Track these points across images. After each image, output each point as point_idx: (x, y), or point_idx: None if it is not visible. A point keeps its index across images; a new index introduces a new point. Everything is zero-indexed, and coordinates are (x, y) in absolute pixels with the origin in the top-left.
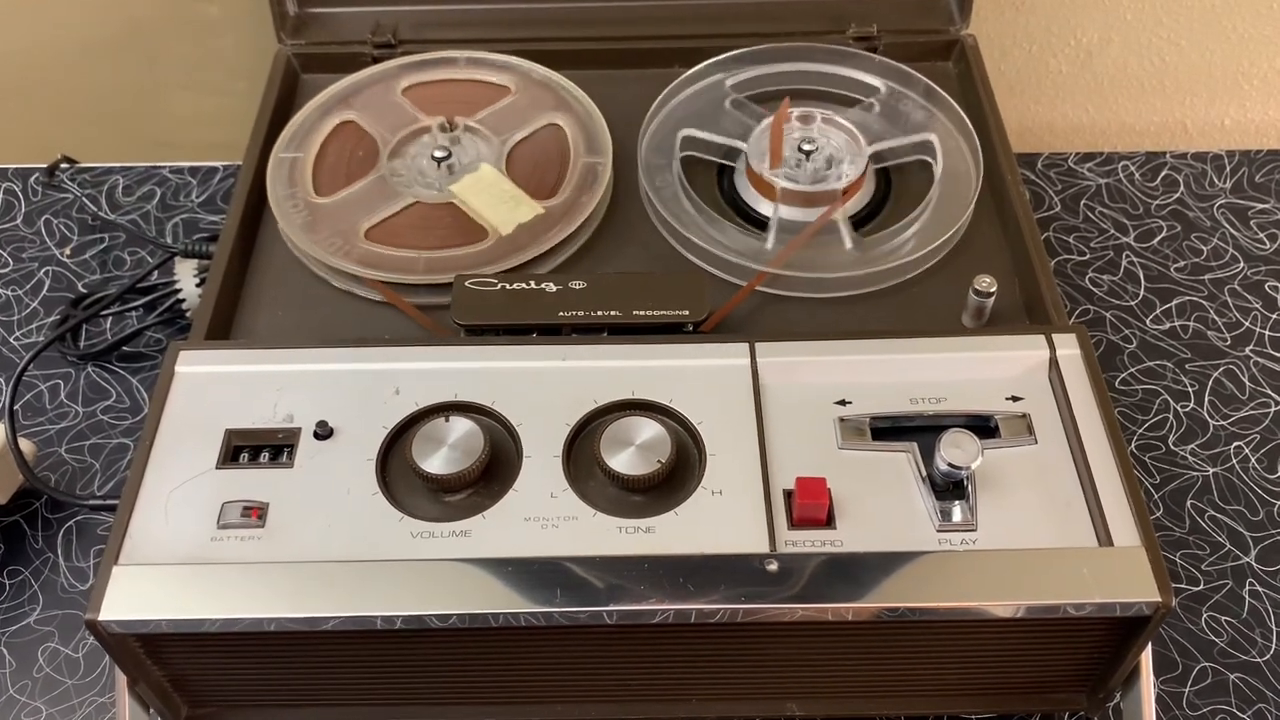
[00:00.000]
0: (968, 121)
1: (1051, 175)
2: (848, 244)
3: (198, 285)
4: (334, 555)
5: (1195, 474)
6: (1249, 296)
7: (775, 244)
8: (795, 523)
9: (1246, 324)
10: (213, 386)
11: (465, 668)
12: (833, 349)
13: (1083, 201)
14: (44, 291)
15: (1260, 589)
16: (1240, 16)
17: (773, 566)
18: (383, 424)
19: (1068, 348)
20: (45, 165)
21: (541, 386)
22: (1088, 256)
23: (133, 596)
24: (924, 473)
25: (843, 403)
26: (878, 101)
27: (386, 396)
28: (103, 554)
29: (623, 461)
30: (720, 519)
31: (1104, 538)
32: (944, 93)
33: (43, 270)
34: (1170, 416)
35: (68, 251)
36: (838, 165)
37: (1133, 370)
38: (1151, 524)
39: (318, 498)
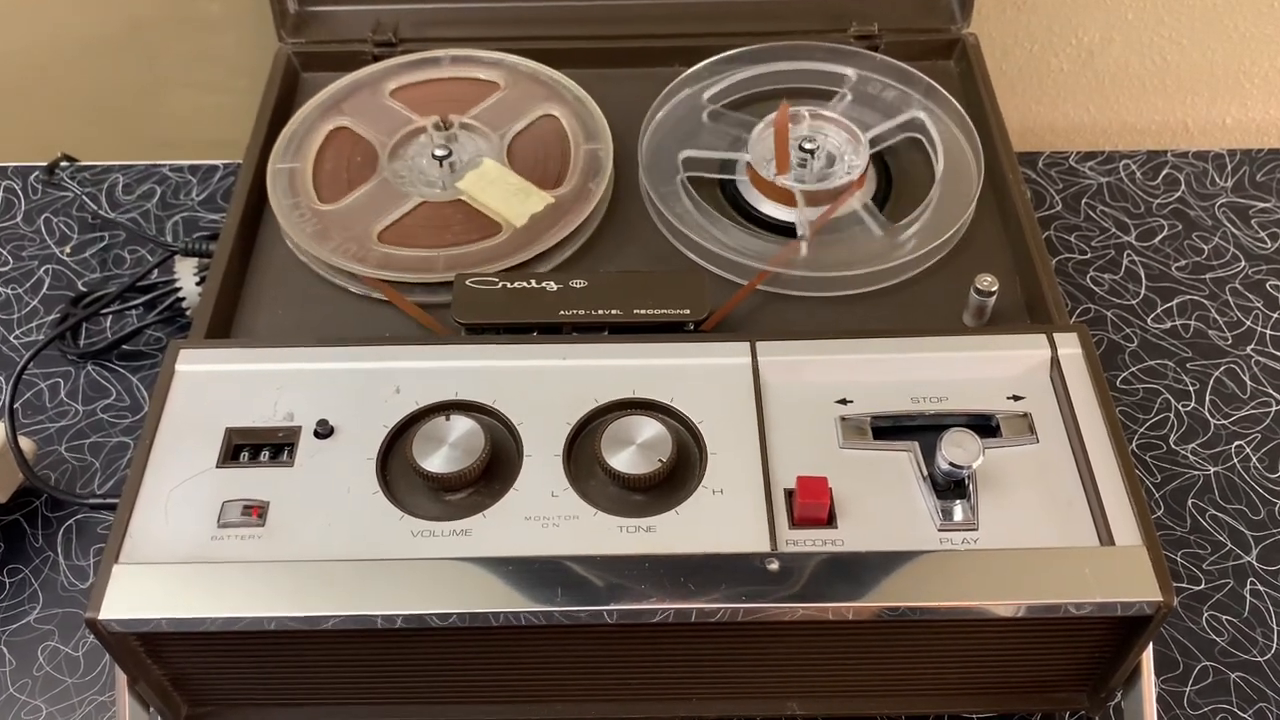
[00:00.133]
0: (969, 120)
1: (1053, 174)
2: (876, 231)
3: (198, 284)
4: (334, 554)
5: (1196, 473)
6: (1250, 296)
7: (808, 247)
8: (796, 522)
9: (1248, 323)
10: (213, 385)
11: (465, 667)
12: (834, 348)
13: (1084, 200)
14: (44, 290)
15: (1261, 588)
16: (1242, 15)
17: (774, 566)
18: (383, 423)
19: (1069, 347)
20: (45, 163)
21: (542, 385)
22: (1089, 255)
23: (133, 595)
24: (925, 472)
25: (844, 402)
26: (849, 90)
27: (387, 395)
28: (103, 553)
29: (623, 460)
30: (721, 518)
31: (1105, 537)
32: (945, 91)
33: (43, 269)
34: (1171, 416)
35: (68, 250)
36: (841, 159)
37: (1134, 369)
38: (1152, 523)
39: (318, 497)
